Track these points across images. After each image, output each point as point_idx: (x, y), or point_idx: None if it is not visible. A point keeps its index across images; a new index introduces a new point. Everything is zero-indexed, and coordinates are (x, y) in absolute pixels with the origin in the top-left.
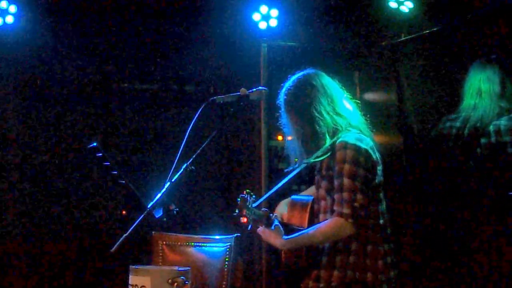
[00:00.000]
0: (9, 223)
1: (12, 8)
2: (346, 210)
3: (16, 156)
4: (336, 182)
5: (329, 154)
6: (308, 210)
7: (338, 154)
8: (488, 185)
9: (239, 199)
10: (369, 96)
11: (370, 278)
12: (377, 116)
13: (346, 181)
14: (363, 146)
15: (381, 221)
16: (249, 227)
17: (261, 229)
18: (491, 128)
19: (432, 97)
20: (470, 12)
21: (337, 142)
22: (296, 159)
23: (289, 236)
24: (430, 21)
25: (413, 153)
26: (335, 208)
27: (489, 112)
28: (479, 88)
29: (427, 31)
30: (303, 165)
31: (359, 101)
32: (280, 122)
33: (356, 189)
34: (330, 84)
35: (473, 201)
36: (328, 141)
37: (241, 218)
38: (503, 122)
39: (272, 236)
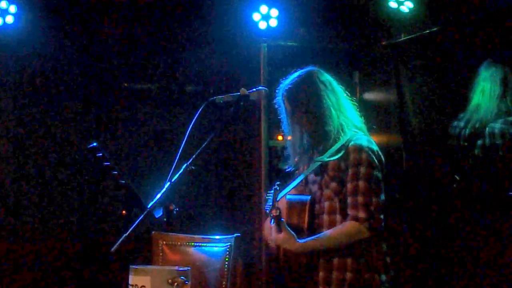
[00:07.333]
0: (8, 223)
1: (12, 8)
2: (361, 214)
3: (15, 156)
4: (350, 185)
5: (341, 154)
6: (307, 209)
7: (352, 157)
8: (486, 185)
9: (272, 191)
10: (369, 96)
11: (378, 279)
12: (377, 116)
13: (361, 184)
14: (375, 148)
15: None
16: (272, 221)
17: (275, 234)
18: (487, 130)
19: (432, 97)
20: (470, 12)
21: (351, 144)
22: (298, 158)
23: (303, 240)
24: (430, 21)
25: (413, 153)
26: (349, 212)
27: (488, 113)
28: (483, 88)
29: (427, 31)
30: (317, 163)
31: (358, 101)
32: (281, 121)
33: (371, 192)
34: (333, 81)
35: (473, 201)
36: (338, 140)
37: (273, 211)
38: (497, 125)
39: (287, 240)
